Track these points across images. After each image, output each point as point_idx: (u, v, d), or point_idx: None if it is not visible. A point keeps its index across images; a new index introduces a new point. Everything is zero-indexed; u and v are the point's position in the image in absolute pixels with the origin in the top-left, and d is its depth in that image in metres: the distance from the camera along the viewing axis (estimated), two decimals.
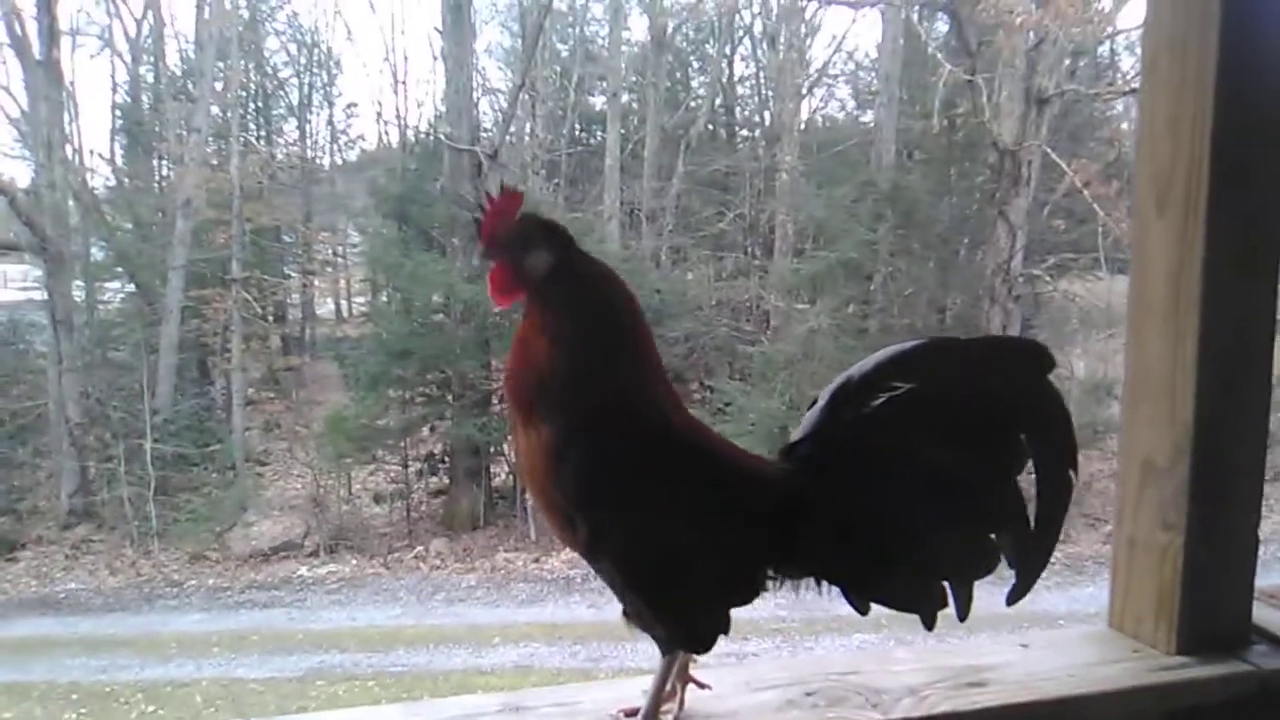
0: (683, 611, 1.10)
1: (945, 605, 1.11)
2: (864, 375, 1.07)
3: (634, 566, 1.08)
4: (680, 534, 1.07)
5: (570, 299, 1.09)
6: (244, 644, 12.08)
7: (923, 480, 1.06)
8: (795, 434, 1.12)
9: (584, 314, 1.09)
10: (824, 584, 1.15)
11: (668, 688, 1.16)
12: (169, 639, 12.32)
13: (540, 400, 1.07)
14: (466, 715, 1.16)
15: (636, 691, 1.17)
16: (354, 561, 15.03)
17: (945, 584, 1.11)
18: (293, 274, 24.20)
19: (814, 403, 1.11)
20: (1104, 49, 19.10)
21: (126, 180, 23.30)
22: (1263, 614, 1.42)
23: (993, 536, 1.10)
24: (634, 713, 1.14)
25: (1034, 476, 1.09)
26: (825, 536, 1.10)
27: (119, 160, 23.76)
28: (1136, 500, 1.42)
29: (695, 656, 1.19)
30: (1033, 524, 1.09)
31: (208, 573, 14.88)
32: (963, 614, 1.11)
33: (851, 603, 1.16)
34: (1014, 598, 1.15)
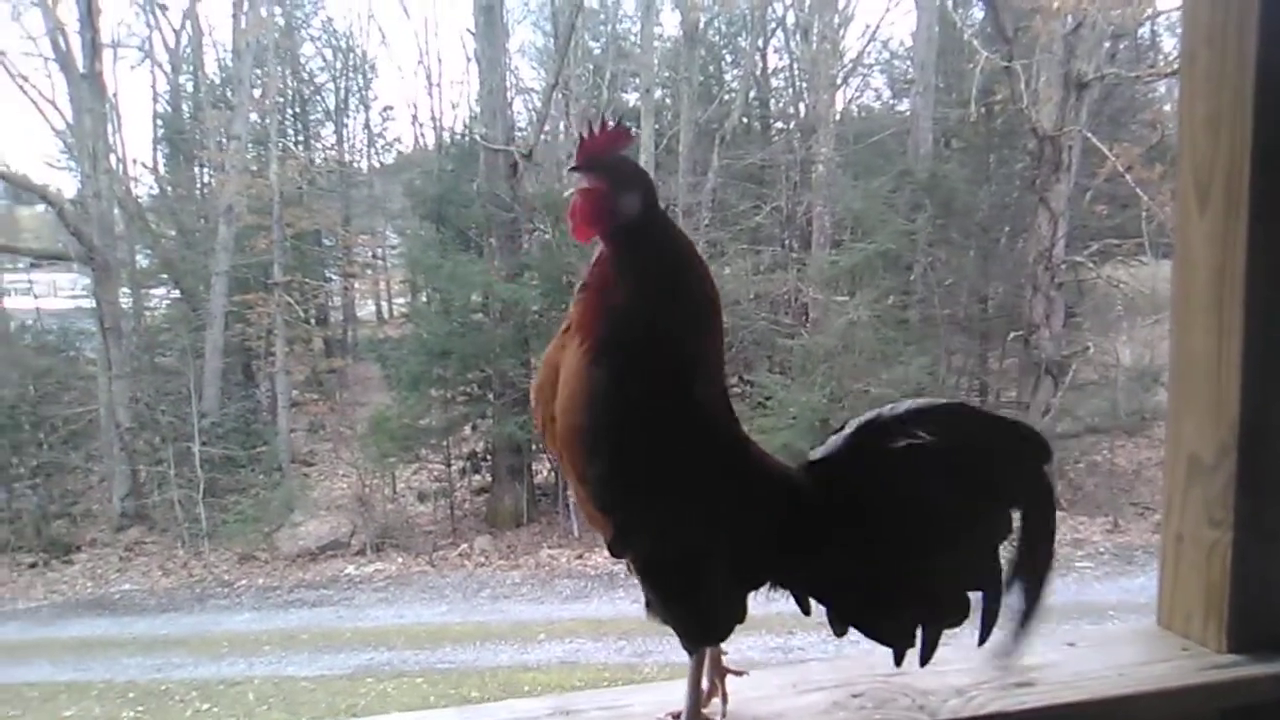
0: (695, 604, 1.14)
1: (914, 644, 1.17)
2: (894, 417, 1.14)
3: (657, 557, 1.12)
4: (704, 525, 1.11)
5: (653, 253, 1.11)
6: (294, 642, 12.25)
7: (921, 526, 1.13)
8: (815, 453, 1.17)
9: (666, 273, 1.11)
10: (807, 600, 1.20)
11: (704, 685, 1.19)
12: (221, 638, 12.52)
13: (606, 349, 1.08)
14: (516, 718, 1.19)
15: (683, 693, 1.18)
16: (400, 560, 15.20)
17: (919, 625, 1.16)
18: (333, 277, 24.51)
19: (841, 428, 1.17)
20: (1144, 31, 18.73)
21: (169, 188, 23.75)
22: None
23: (969, 593, 1.16)
24: (679, 715, 1.16)
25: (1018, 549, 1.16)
26: (824, 553, 1.15)
27: (161, 169, 24.25)
28: (1183, 497, 1.41)
29: (725, 648, 1.22)
30: (1014, 592, 1.15)
31: (257, 572, 15.11)
32: (925, 658, 1.17)
33: (832, 622, 1.20)
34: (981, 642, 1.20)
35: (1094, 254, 16.24)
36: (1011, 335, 16.40)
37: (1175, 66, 16.28)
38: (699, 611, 1.14)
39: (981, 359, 16.79)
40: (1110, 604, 10.76)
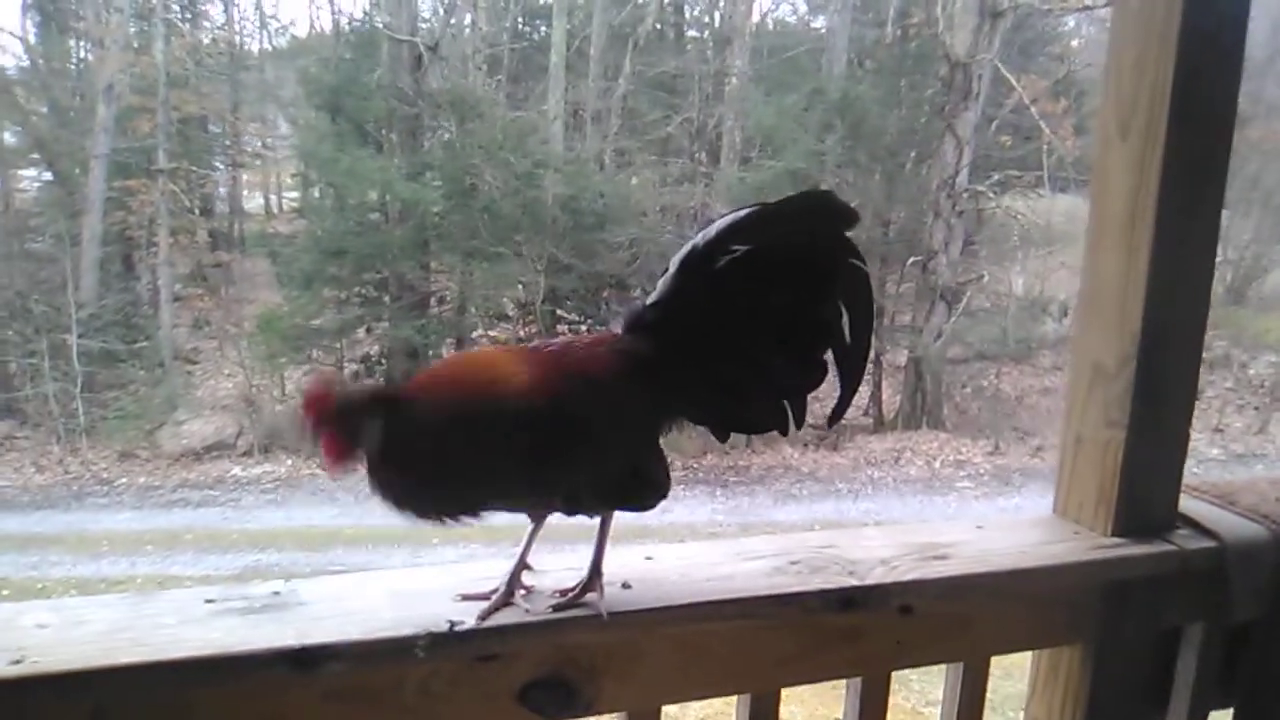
0: (653, 482, 1.28)
1: (789, 421, 1.30)
2: (707, 242, 1.24)
3: (609, 491, 1.26)
4: (617, 450, 1.25)
5: (395, 455, 1.16)
6: (177, 542, 12.09)
7: (761, 320, 1.26)
8: (651, 297, 1.28)
9: (412, 462, 1.17)
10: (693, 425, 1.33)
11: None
12: (100, 536, 12.27)
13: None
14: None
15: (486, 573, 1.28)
16: (289, 462, 14.99)
17: (786, 404, 1.30)
18: (220, 166, 23.41)
19: (665, 271, 1.27)
20: None
21: (41, 61, 22.03)
22: (1187, 504, 1.60)
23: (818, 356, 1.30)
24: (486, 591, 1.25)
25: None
26: (691, 385, 1.28)
27: (31, 39, 22.42)
28: (1085, 400, 1.57)
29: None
30: (848, 342, 1.29)
31: (138, 471, 14.75)
32: (799, 423, 1.31)
33: (715, 434, 1.34)
34: (836, 415, 1.37)
35: (995, 184, 16.80)
36: (911, 260, 16.90)
37: (1085, 1, 16.72)
38: (659, 480, 1.29)
39: (880, 282, 17.27)
40: None
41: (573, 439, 1.19)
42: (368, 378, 17.00)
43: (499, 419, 1.16)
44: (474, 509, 1.20)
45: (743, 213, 1.24)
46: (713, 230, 1.24)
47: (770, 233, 1.24)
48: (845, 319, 1.27)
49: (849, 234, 1.26)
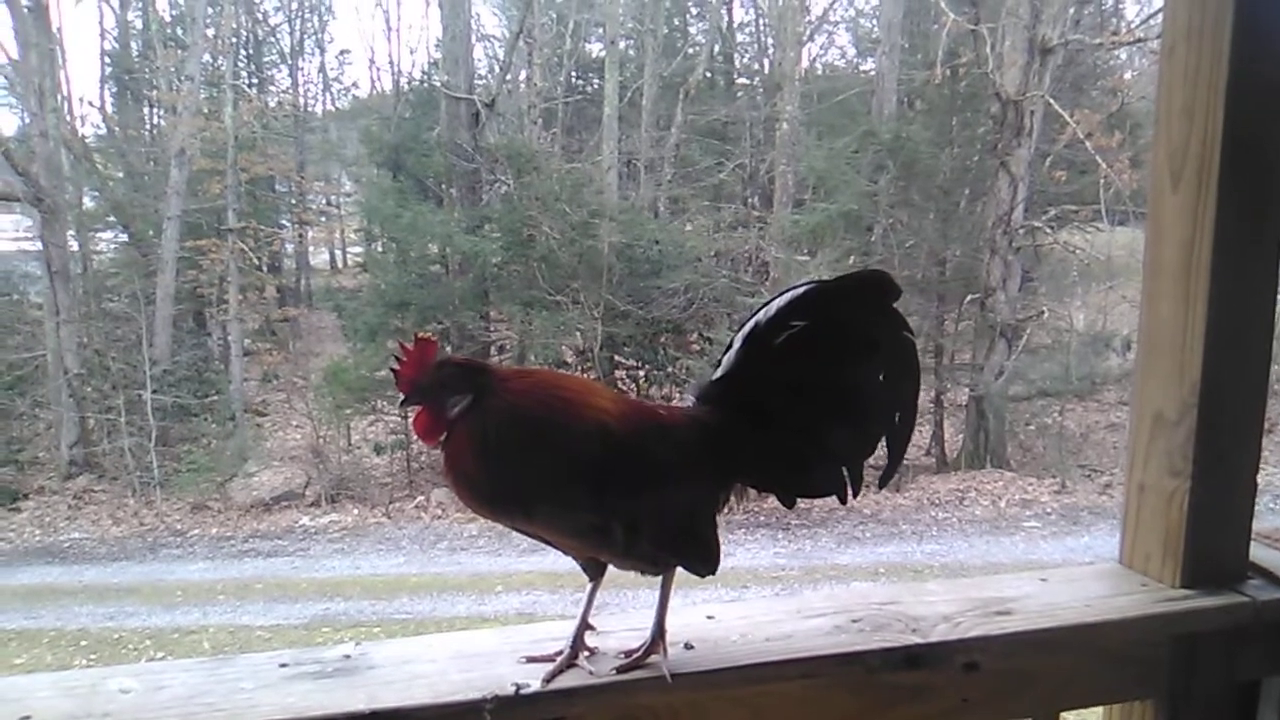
0: (706, 546, 1.31)
1: (846, 487, 1.35)
2: (768, 319, 1.29)
3: (663, 537, 1.28)
4: (678, 497, 1.28)
5: (477, 431, 1.21)
6: (249, 592, 12.26)
7: (820, 394, 1.30)
8: (716, 373, 1.33)
9: (490, 442, 1.20)
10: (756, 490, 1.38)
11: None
12: (174, 587, 12.49)
13: (502, 499, 1.23)
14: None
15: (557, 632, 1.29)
16: (355, 511, 15.19)
17: (844, 470, 1.34)
18: (287, 224, 24.12)
19: (729, 346, 1.32)
20: None
21: (117, 129, 23.10)
22: (1259, 553, 1.55)
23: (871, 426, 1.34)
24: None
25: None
26: (756, 453, 1.33)
27: (109, 108, 23.55)
28: (1147, 450, 1.54)
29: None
30: (896, 416, 1.34)
31: (210, 522, 15.03)
32: (856, 491, 1.35)
33: (782, 500, 1.38)
34: (885, 479, 1.44)
35: (1051, 219, 16.53)
36: (968, 298, 16.67)
37: (1138, 35, 16.55)
38: (712, 547, 1.31)
39: (938, 321, 17.05)
40: (1055, 563, 11.12)
41: (638, 469, 1.24)
42: None
43: (581, 426, 1.22)
44: (530, 510, 1.22)
45: (801, 290, 1.30)
46: (773, 308, 1.29)
47: (826, 309, 1.29)
48: (893, 388, 1.32)
49: (896, 307, 1.31)
